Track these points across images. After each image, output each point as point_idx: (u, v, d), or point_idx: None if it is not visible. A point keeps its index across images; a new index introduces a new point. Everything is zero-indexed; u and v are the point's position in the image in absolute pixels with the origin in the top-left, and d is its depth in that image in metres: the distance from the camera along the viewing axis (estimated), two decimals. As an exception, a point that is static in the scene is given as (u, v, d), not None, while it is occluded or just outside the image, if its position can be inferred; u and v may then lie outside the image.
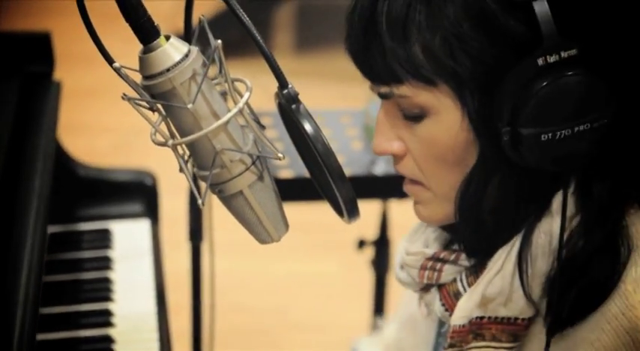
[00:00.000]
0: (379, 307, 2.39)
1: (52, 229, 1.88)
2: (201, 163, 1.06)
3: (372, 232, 2.32)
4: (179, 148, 1.05)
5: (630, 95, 1.12)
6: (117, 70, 1.01)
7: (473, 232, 1.20)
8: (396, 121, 1.18)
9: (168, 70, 1.00)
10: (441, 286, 1.24)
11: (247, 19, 1.01)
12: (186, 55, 1.01)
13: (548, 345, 1.16)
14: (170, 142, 1.03)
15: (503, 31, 1.08)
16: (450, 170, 1.16)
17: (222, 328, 2.07)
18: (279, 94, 1.05)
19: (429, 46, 1.10)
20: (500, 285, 1.17)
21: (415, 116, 1.15)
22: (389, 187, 2.04)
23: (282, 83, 1.04)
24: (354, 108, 2.26)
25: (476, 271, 1.21)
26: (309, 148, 1.04)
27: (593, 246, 1.14)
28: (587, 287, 1.14)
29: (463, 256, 1.23)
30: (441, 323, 1.35)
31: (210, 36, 1.03)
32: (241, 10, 1.01)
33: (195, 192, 1.06)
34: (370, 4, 1.12)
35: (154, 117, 1.04)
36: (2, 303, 1.38)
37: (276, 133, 1.98)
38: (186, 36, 1.08)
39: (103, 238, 1.94)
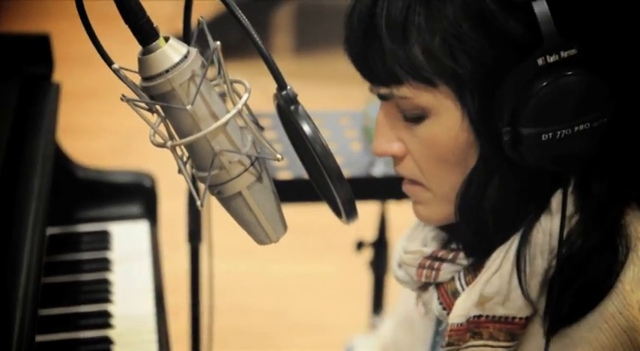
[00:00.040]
0: (378, 308, 2.40)
1: (51, 230, 1.88)
2: (200, 165, 1.06)
3: (370, 234, 2.32)
4: (178, 149, 1.05)
5: (629, 94, 1.12)
6: (116, 72, 1.01)
7: (473, 232, 1.20)
8: (396, 123, 1.18)
9: (167, 71, 1.01)
10: (438, 285, 1.25)
11: (246, 20, 1.02)
12: (185, 57, 1.01)
13: (548, 343, 1.16)
14: (169, 143, 1.03)
15: (503, 31, 1.08)
16: (451, 171, 1.16)
17: (221, 329, 2.07)
18: (278, 95, 1.05)
19: (428, 47, 1.10)
20: (498, 284, 1.18)
21: (415, 117, 1.15)
22: (387, 189, 2.04)
23: (281, 84, 1.04)
24: (353, 109, 2.26)
25: (474, 270, 1.21)
26: (308, 149, 1.04)
27: (591, 244, 1.15)
28: (586, 286, 1.14)
29: (461, 255, 1.23)
30: (439, 322, 1.35)
31: (209, 37, 1.03)
32: (240, 12, 1.01)
33: (194, 193, 1.06)
34: (369, 6, 1.12)
35: (153, 118, 1.04)
36: (1, 304, 1.37)
37: (275, 135, 1.98)
38: (185, 37, 1.08)
39: (102, 240, 1.94)
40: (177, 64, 1.01)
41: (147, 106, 1.03)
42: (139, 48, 1.02)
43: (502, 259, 1.18)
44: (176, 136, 1.05)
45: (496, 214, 1.17)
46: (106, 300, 1.75)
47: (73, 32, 1.50)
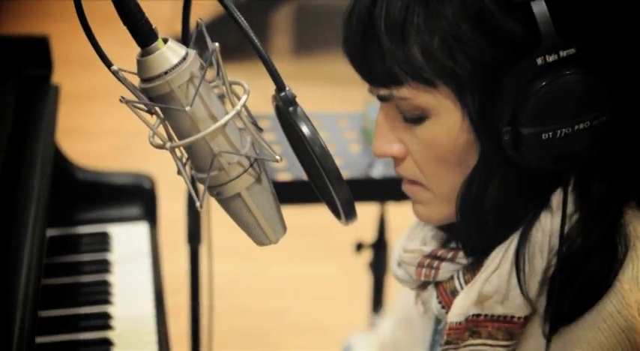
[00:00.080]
0: (377, 309, 2.40)
1: (50, 232, 1.89)
2: (199, 166, 1.06)
3: (370, 235, 2.32)
4: (177, 150, 1.05)
5: (629, 93, 1.12)
6: (115, 73, 1.01)
7: (473, 232, 1.20)
8: (396, 124, 1.18)
9: (166, 72, 1.01)
10: (438, 284, 1.25)
11: (245, 22, 1.02)
12: (184, 58, 1.01)
13: (549, 342, 1.16)
14: (168, 144, 1.03)
15: (502, 31, 1.08)
16: (451, 171, 1.17)
17: (220, 330, 2.07)
18: (277, 96, 1.05)
19: (427, 47, 1.10)
20: (497, 283, 1.18)
21: (415, 118, 1.16)
22: (387, 190, 2.04)
23: (280, 86, 1.04)
24: (351, 111, 2.27)
25: (473, 269, 1.21)
26: (307, 150, 1.04)
27: (591, 243, 1.15)
28: (586, 284, 1.14)
29: (460, 254, 1.23)
30: (438, 321, 1.35)
31: (208, 39, 1.03)
32: (239, 14, 1.01)
33: (194, 194, 1.06)
34: (368, 7, 1.13)
35: (152, 120, 1.04)
36: (2, 306, 1.38)
37: (274, 136, 1.98)
38: (184, 39, 1.08)
39: (102, 241, 1.94)
40: (176, 65, 1.01)
41: (146, 108, 1.03)
42: (137, 50, 1.02)
43: (501, 258, 1.18)
44: (175, 137, 1.05)
45: (496, 213, 1.17)
46: (106, 301, 1.75)
47: (72, 34, 1.50)
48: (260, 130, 1.07)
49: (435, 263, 1.25)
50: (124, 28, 1.01)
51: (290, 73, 1.72)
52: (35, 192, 1.61)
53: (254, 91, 1.06)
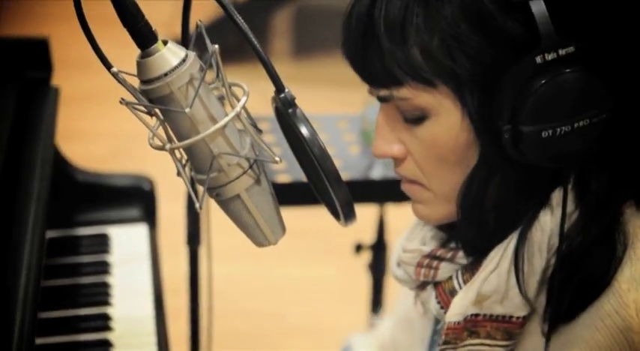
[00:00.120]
0: (377, 310, 2.40)
1: (50, 233, 1.89)
2: (199, 167, 1.06)
3: (369, 237, 2.32)
4: (177, 152, 1.06)
5: (628, 91, 1.12)
6: (115, 75, 1.01)
7: (473, 231, 1.20)
8: (396, 124, 1.19)
9: (165, 74, 1.01)
10: (437, 284, 1.25)
11: (244, 24, 1.02)
12: (184, 60, 1.02)
13: (548, 341, 1.16)
14: (168, 146, 1.04)
15: (501, 31, 1.08)
16: (452, 171, 1.17)
17: (220, 332, 2.07)
18: (276, 98, 1.06)
19: (427, 47, 1.11)
20: (496, 283, 1.18)
21: (415, 118, 1.16)
22: (386, 192, 2.05)
23: (279, 87, 1.05)
24: (351, 113, 2.27)
25: (472, 268, 1.22)
26: (306, 151, 1.04)
27: (590, 240, 1.15)
28: (585, 282, 1.15)
29: (460, 254, 1.24)
30: (437, 321, 1.35)
31: (208, 41, 1.04)
32: (238, 16, 1.02)
33: (193, 196, 1.06)
34: (367, 7, 1.13)
35: (152, 121, 1.05)
36: (1, 307, 1.38)
37: (274, 138, 1.98)
38: (184, 41, 1.08)
39: (101, 243, 1.94)
40: (176, 67, 1.01)
41: (146, 110, 1.04)
42: (137, 51, 1.02)
43: (500, 258, 1.18)
44: (175, 139, 1.05)
45: (497, 212, 1.17)
46: (106, 303, 1.75)
47: (72, 36, 1.50)
48: (259, 131, 1.08)
49: (434, 263, 1.25)
50: (124, 30, 1.02)
51: (289, 75, 1.72)
52: (35, 193, 1.61)
53: (253, 93, 1.06)
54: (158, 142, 1.04)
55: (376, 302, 2.39)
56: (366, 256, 2.35)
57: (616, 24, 1.12)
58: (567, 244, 1.15)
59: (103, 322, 1.70)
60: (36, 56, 1.93)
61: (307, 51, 4.95)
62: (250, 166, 1.06)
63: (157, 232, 2.04)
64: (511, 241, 1.18)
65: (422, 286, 1.28)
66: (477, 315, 1.20)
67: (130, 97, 1.03)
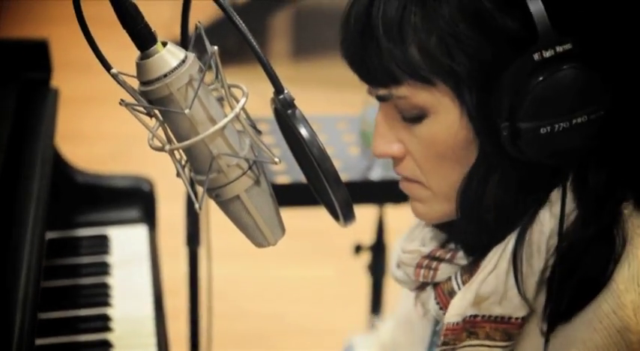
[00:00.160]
0: (376, 311, 2.40)
1: (50, 235, 1.89)
2: (199, 168, 1.06)
3: (368, 237, 2.33)
4: (176, 153, 1.06)
5: (627, 87, 1.13)
6: (114, 76, 1.01)
7: (473, 230, 1.20)
8: (395, 123, 1.19)
9: (165, 75, 1.01)
10: (436, 285, 1.25)
11: (243, 25, 1.02)
12: (183, 61, 1.02)
13: (546, 341, 1.16)
14: (167, 147, 1.04)
15: (499, 29, 1.09)
16: (451, 169, 1.17)
17: (219, 333, 2.07)
18: (275, 99, 1.06)
19: (425, 46, 1.11)
20: (494, 284, 1.18)
21: (414, 117, 1.16)
22: (385, 192, 2.05)
23: (278, 88, 1.05)
24: (350, 114, 2.27)
25: (470, 269, 1.22)
26: (305, 152, 1.04)
27: (589, 236, 1.15)
28: (584, 278, 1.14)
29: (459, 254, 1.24)
30: (437, 322, 1.35)
31: (207, 42, 1.04)
32: (238, 17, 1.02)
33: (193, 196, 1.06)
34: (365, 7, 1.13)
35: (152, 122, 1.05)
36: (2, 307, 1.38)
37: (273, 139, 1.99)
38: (183, 42, 1.09)
39: (101, 244, 1.94)
40: (175, 68, 1.01)
41: (145, 111, 1.04)
42: (136, 53, 1.03)
43: (498, 259, 1.18)
44: (174, 140, 1.06)
45: (496, 210, 1.17)
46: (106, 303, 1.75)
47: (72, 38, 1.51)
48: (259, 132, 1.08)
49: (434, 264, 1.25)
50: (123, 31, 1.02)
51: (289, 76, 1.73)
52: (35, 194, 1.61)
53: (253, 95, 1.06)
54: (158, 143, 1.05)
55: (375, 303, 2.39)
56: (366, 257, 2.35)
57: (613, 20, 1.12)
58: (566, 242, 1.16)
59: (102, 323, 1.70)
60: (36, 58, 1.93)
61: (306, 52, 4.95)
62: (250, 167, 1.06)
63: (156, 233, 2.04)
64: (509, 242, 1.18)
65: (421, 287, 1.28)
66: (475, 316, 1.20)
67: (129, 99, 1.03)
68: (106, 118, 3.94)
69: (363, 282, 2.44)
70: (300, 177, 1.18)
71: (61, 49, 2.35)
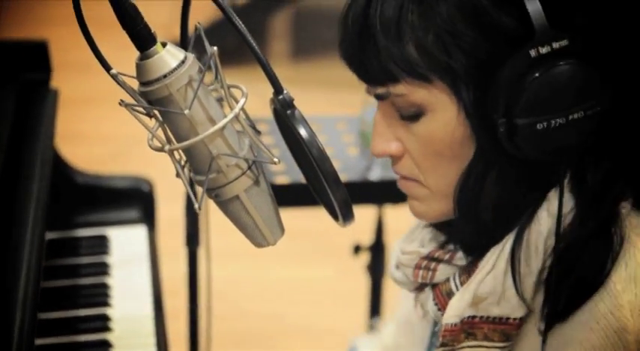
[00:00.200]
0: (375, 311, 2.40)
1: (49, 235, 1.89)
2: (198, 168, 1.07)
3: (367, 238, 2.33)
4: (176, 153, 1.06)
5: (624, 83, 1.13)
6: (114, 77, 1.01)
7: (471, 229, 1.20)
8: (393, 122, 1.19)
9: (164, 76, 1.01)
10: (434, 286, 1.25)
11: (243, 26, 1.02)
12: (183, 62, 1.02)
13: (544, 342, 1.17)
14: (167, 147, 1.04)
15: (496, 26, 1.09)
16: (448, 167, 1.17)
17: (219, 333, 2.07)
18: (275, 99, 1.06)
19: (422, 43, 1.11)
20: (492, 284, 1.18)
21: (412, 115, 1.16)
22: (384, 193, 2.05)
23: (278, 89, 1.05)
24: (349, 114, 2.27)
25: (468, 270, 1.22)
26: (305, 153, 1.05)
27: (587, 234, 1.15)
28: (581, 277, 1.15)
29: (458, 255, 1.24)
30: (436, 323, 1.36)
31: (207, 43, 1.04)
32: (237, 18, 1.02)
33: (192, 196, 1.06)
34: (363, 7, 1.14)
35: (151, 123, 1.05)
36: (1, 308, 1.38)
37: (272, 140, 1.99)
38: (183, 43, 1.09)
39: (101, 244, 1.95)
40: (175, 69, 1.02)
41: (145, 111, 1.04)
42: (136, 54, 1.03)
43: (496, 259, 1.18)
44: (174, 140, 1.06)
45: (494, 209, 1.17)
46: (105, 304, 1.76)
47: (71, 39, 1.51)
48: (258, 132, 1.08)
49: (432, 265, 1.25)
50: (123, 32, 1.02)
51: (288, 77, 1.73)
52: (34, 195, 1.62)
53: (252, 95, 1.06)
54: (157, 144, 1.05)
55: (375, 303, 2.39)
56: (365, 257, 2.35)
57: (610, 17, 1.12)
58: (563, 242, 1.16)
59: (102, 323, 1.70)
60: (35, 58, 1.93)
61: (306, 53, 4.95)
62: (249, 167, 1.06)
63: (156, 234, 2.04)
64: (507, 242, 1.18)
65: (420, 288, 1.28)
66: (473, 317, 1.20)
67: (129, 99, 1.04)
68: (105, 119, 3.94)
69: (362, 282, 2.44)
70: (300, 177, 1.19)
71: (61, 49, 2.35)
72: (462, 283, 1.22)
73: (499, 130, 1.09)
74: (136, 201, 2.04)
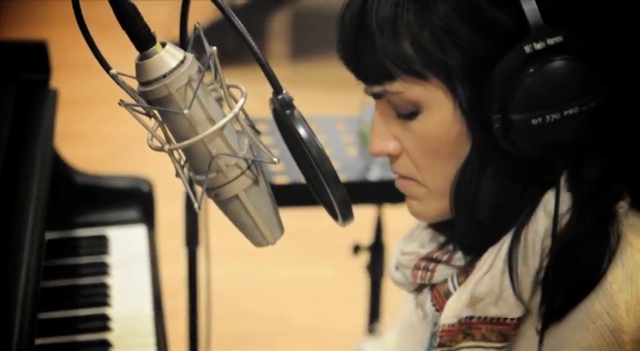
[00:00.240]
0: (374, 311, 2.41)
1: (49, 235, 1.89)
2: (198, 168, 1.07)
3: (367, 238, 2.33)
4: (175, 153, 1.06)
5: (620, 80, 1.13)
6: (114, 77, 1.02)
7: (469, 228, 1.20)
8: (390, 120, 1.19)
9: (164, 76, 1.01)
10: (433, 286, 1.25)
11: (242, 26, 1.03)
12: (182, 62, 1.02)
13: (541, 342, 1.17)
14: (166, 147, 1.04)
15: (492, 23, 1.10)
16: (445, 164, 1.17)
17: (218, 333, 2.07)
18: (274, 99, 1.06)
19: (418, 40, 1.12)
20: (489, 285, 1.18)
21: (409, 114, 1.17)
22: (383, 193, 2.05)
23: (277, 89, 1.05)
24: (349, 114, 2.28)
25: (466, 271, 1.22)
26: (304, 152, 1.05)
27: (584, 231, 1.15)
28: (578, 275, 1.14)
29: (456, 256, 1.24)
30: (435, 324, 1.36)
31: (206, 43, 1.04)
32: (236, 18, 1.02)
33: (192, 196, 1.07)
34: (360, 6, 1.14)
35: (151, 123, 1.05)
36: (1, 308, 1.38)
37: (272, 140, 1.99)
38: (182, 43, 1.09)
39: (100, 244, 1.95)
40: (174, 69, 1.02)
41: (144, 111, 1.04)
42: (135, 54, 1.03)
43: (493, 260, 1.18)
44: (173, 140, 1.06)
45: (491, 207, 1.17)
46: (105, 303, 1.76)
47: (71, 39, 1.51)
48: (257, 132, 1.08)
49: (431, 266, 1.25)
50: (122, 33, 1.02)
51: (287, 77, 1.73)
52: (34, 195, 1.62)
53: (251, 96, 1.07)
54: (157, 143, 1.05)
55: (374, 303, 2.40)
56: (364, 257, 2.36)
57: (605, 13, 1.12)
58: (561, 239, 1.16)
59: (102, 323, 1.70)
60: (35, 59, 1.93)
61: (305, 53, 4.95)
62: (248, 167, 1.07)
63: (155, 234, 2.05)
64: (504, 243, 1.18)
65: (419, 289, 1.28)
66: (471, 317, 1.20)
67: (128, 99, 1.04)
68: (105, 119, 3.94)
69: (361, 282, 2.44)
70: (299, 177, 1.19)
71: (61, 49, 2.36)
72: (459, 284, 1.22)
73: (494, 126, 1.10)
74: (135, 201, 2.04)
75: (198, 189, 1.08)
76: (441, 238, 1.29)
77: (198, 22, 1.07)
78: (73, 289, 1.80)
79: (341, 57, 1.18)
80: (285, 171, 2.01)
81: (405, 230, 1.36)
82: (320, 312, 3.15)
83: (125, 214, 2.03)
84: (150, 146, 1.05)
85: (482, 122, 1.12)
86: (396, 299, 1.55)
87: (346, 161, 2.10)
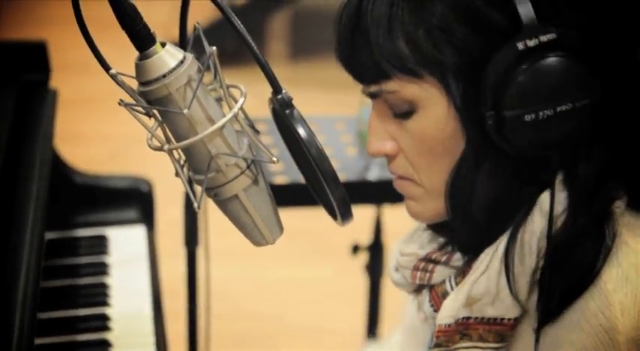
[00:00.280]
0: (374, 311, 2.41)
1: (49, 235, 1.90)
2: (197, 168, 1.07)
3: (366, 238, 2.33)
4: (175, 152, 1.06)
5: (615, 78, 1.13)
6: (113, 77, 1.02)
7: (466, 228, 1.20)
8: (387, 120, 1.20)
9: (164, 76, 1.02)
10: (431, 287, 1.26)
11: (242, 26, 1.03)
12: (182, 62, 1.02)
13: (537, 341, 1.17)
14: (166, 146, 1.04)
15: (486, 21, 1.10)
16: (441, 163, 1.17)
17: (218, 333, 2.07)
18: (274, 99, 1.06)
19: (412, 38, 1.12)
20: (485, 285, 1.18)
21: (404, 113, 1.17)
22: (382, 193, 2.06)
23: (276, 88, 1.05)
24: (348, 115, 2.28)
25: (463, 271, 1.22)
26: (303, 152, 1.05)
27: (579, 233, 1.15)
28: (573, 276, 1.14)
29: (455, 257, 1.24)
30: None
31: (205, 43, 1.04)
32: (236, 18, 1.03)
33: (192, 196, 1.07)
34: (356, 7, 1.15)
35: (151, 123, 1.05)
36: (1, 308, 1.39)
37: (271, 140, 1.99)
38: (182, 43, 1.09)
39: (100, 244, 1.95)
40: (174, 69, 1.02)
41: (144, 111, 1.04)
42: (135, 55, 1.03)
43: (490, 260, 1.18)
44: (173, 139, 1.06)
45: (487, 206, 1.17)
46: (104, 303, 1.76)
47: (70, 39, 1.51)
48: (257, 132, 1.08)
49: (430, 267, 1.25)
50: (122, 33, 1.02)
51: (286, 77, 1.73)
52: (34, 195, 1.62)
53: (251, 95, 1.07)
54: (156, 143, 1.05)
55: (373, 303, 2.40)
56: (363, 257, 2.36)
57: (598, 10, 1.12)
58: (557, 239, 1.16)
59: (101, 323, 1.71)
60: (34, 59, 1.93)
61: (304, 53, 4.96)
62: (248, 167, 1.07)
63: (155, 234, 2.05)
64: (501, 243, 1.18)
65: (418, 290, 1.29)
66: (468, 318, 1.20)
67: (128, 99, 1.04)
68: (104, 119, 3.94)
69: (361, 282, 2.44)
70: (299, 177, 1.19)
71: (60, 50, 2.36)
72: (456, 284, 1.22)
73: (487, 122, 1.10)
74: (135, 201, 2.04)
75: (198, 189, 1.08)
76: (441, 240, 1.29)
77: (197, 22, 1.07)
78: (73, 289, 1.80)
79: (338, 57, 1.19)
80: (284, 171, 2.02)
81: (404, 230, 1.36)
82: (319, 312, 3.15)
83: (125, 214, 2.03)
84: (149, 146, 1.05)
85: (476, 119, 1.12)
86: (396, 299, 1.56)
87: (345, 161, 2.10)
